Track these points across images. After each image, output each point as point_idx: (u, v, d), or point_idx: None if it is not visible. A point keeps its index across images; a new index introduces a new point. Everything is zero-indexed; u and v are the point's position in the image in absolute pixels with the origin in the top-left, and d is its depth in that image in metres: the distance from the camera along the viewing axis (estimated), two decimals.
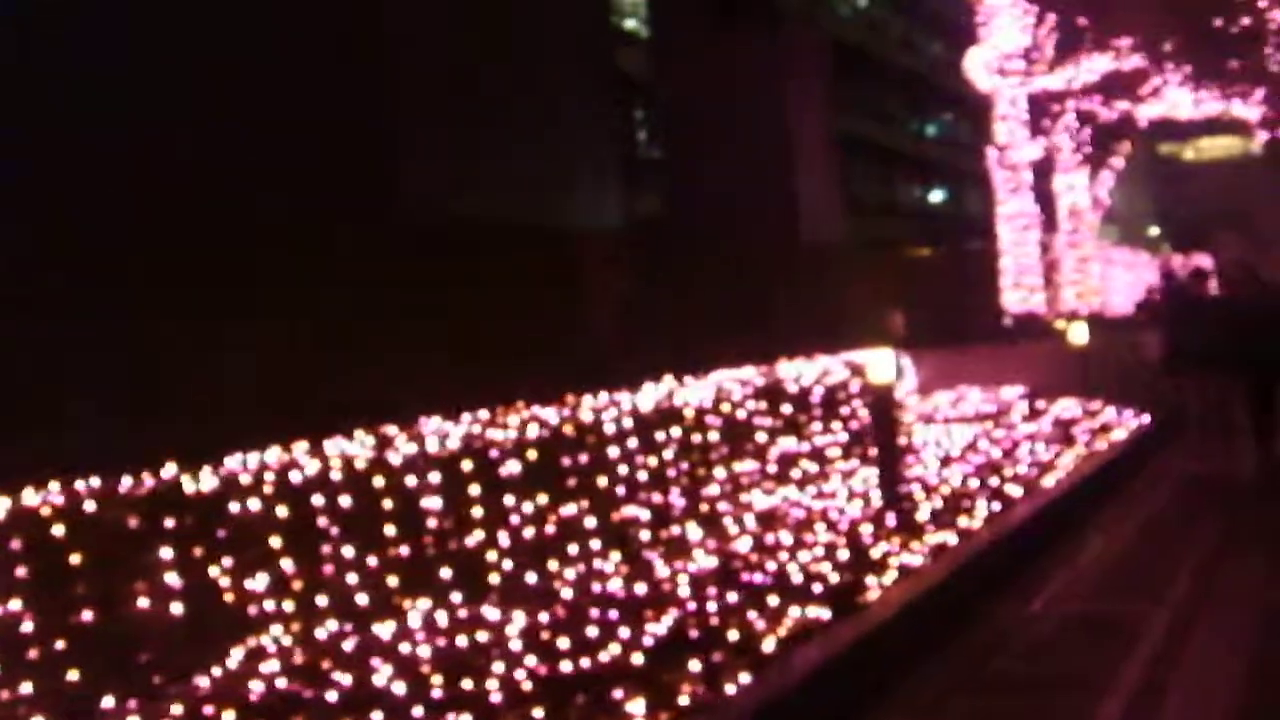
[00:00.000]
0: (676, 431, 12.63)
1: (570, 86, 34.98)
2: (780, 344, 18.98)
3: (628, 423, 11.85)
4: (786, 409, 15.07)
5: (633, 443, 11.80)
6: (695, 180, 35.55)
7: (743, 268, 24.81)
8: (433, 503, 9.44)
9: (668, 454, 12.43)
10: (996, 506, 12.47)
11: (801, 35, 39.68)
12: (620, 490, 11.46)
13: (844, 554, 10.23)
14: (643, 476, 11.84)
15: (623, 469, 11.56)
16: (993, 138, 27.24)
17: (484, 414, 11.49)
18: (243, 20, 11.73)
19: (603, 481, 11.25)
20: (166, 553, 7.66)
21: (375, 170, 13.92)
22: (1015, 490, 13.43)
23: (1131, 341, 23.31)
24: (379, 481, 9.11)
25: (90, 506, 7.51)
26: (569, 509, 10.70)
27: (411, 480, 9.35)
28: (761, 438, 14.30)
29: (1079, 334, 22.59)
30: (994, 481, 13.82)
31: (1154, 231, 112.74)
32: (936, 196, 74.38)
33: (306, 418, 10.09)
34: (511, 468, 10.22)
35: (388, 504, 9.13)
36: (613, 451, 11.47)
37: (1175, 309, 18.19)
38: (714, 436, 13.35)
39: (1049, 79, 27.84)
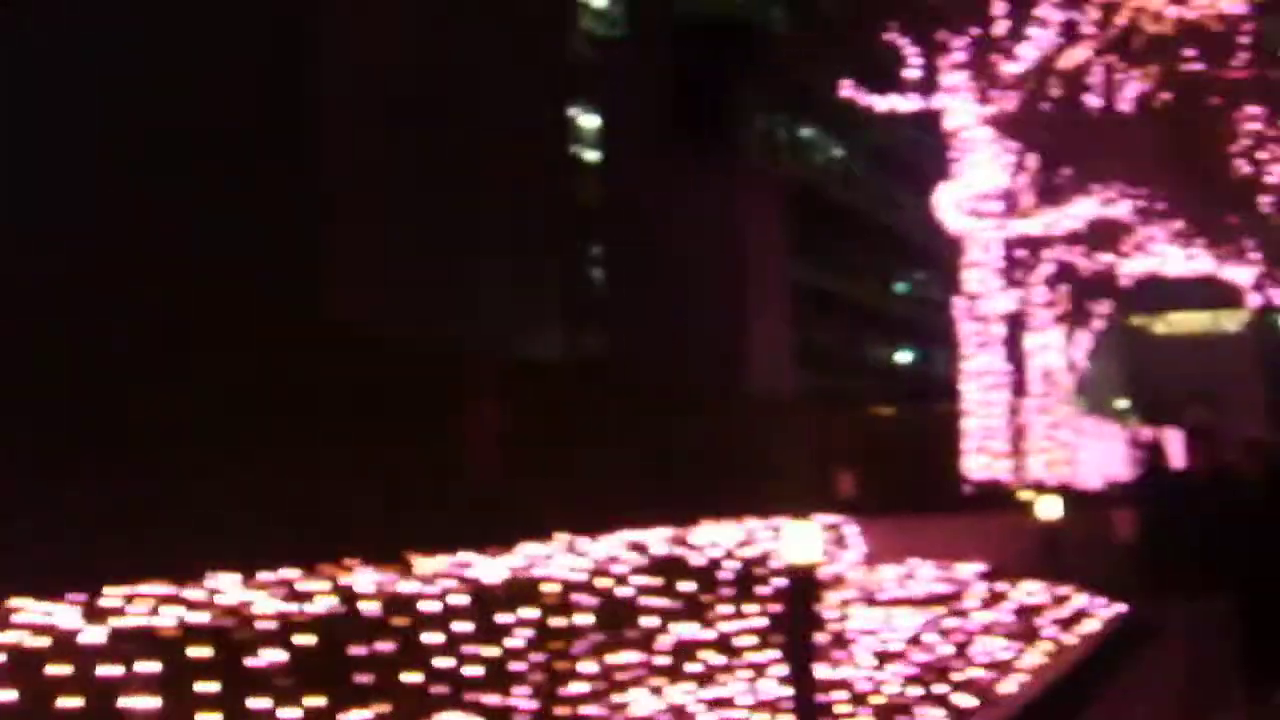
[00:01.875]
0: (538, 610, 9.91)
1: (522, 214, 32.69)
2: (708, 503, 16.74)
3: (460, 598, 9.11)
4: (690, 585, 12.28)
5: (466, 625, 9.06)
6: (639, 316, 33.30)
7: (677, 412, 22.22)
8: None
9: (519, 640, 9.69)
10: None
11: (762, 178, 37.75)
12: (438, 690, 8.69)
13: None
14: (475, 670, 9.07)
15: (445, 660, 8.79)
16: (962, 286, 24.68)
17: (291, 574, 8.73)
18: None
19: (415, 678, 8.46)
20: None
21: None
22: (967, 700, 11.23)
23: (1104, 518, 20.98)
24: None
25: None
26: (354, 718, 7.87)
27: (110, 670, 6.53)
28: (651, 621, 11.51)
29: (1049, 508, 20.29)
30: (940, 688, 11.51)
31: (1122, 403, 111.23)
32: (906, 356, 72.45)
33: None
34: (271, 656, 7.39)
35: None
36: (432, 637, 8.71)
37: (1152, 490, 14.76)
38: (588, 619, 10.59)
39: (1027, 224, 25.39)
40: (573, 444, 18.07)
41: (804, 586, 10.28)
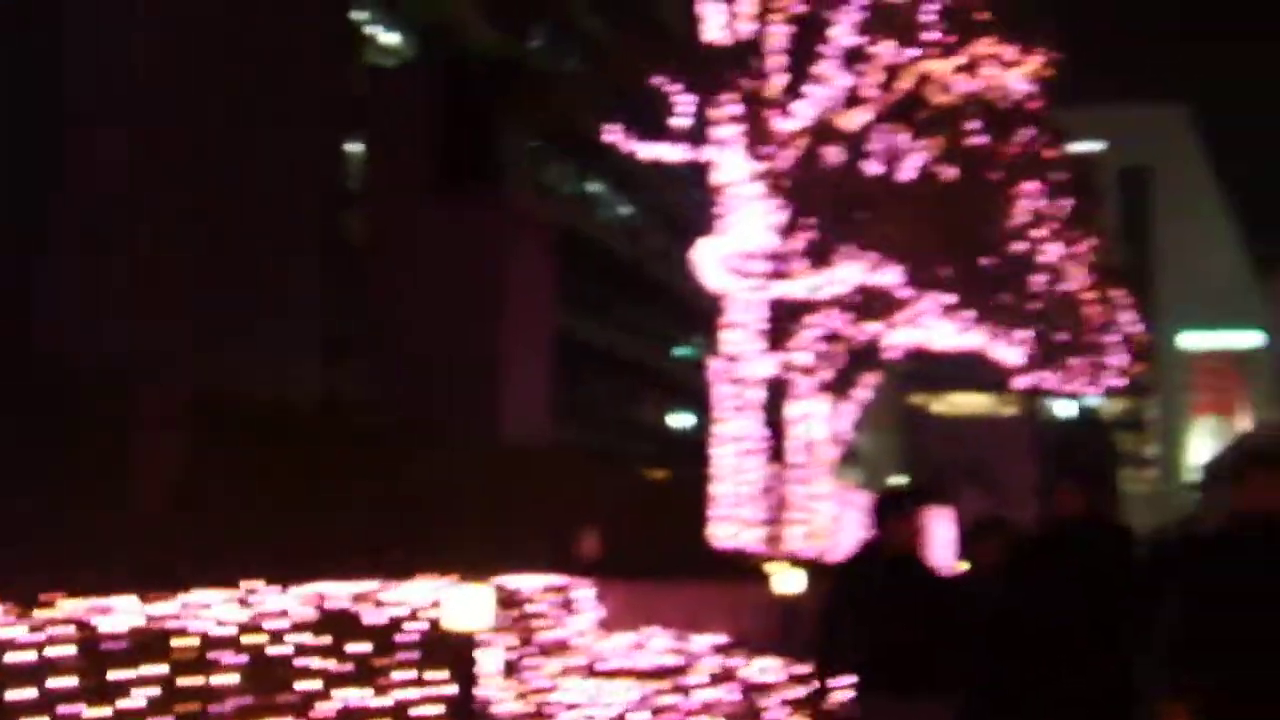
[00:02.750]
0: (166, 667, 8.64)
1: (285, 249, 31.19)
2: (430, 555, 15.58)
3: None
4: (364, 646, 11.02)
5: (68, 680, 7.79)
6: (394, 357, 31.94)
7: (406, 457, 20.99)
8: None
9: (138, 700, 8.43)
10: None
11: (529, 223, 36.59)
12: None
13: None
14: None
15: None
16: (720, 347, 23.75)
17: None
18: None
19: None
20: None
21: None
22: None
23: None
24: None
25: None
26: None
27: None
28: (313, 684, 10.25)
29: (788, 580, 19.39)
30: None
31: (898, 480, 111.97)
32: (684, 420, 71.78)
33: None
34: None
35: None
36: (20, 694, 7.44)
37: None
38: (230, 678, 9.32)
39: (791, 286, 24.51)
40: (281, 485, 16.83)
41: (463, 655, 9.10)
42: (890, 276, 25.09)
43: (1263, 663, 7.71)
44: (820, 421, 32.38)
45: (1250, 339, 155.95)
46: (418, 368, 32.91)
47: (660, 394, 67.82)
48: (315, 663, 10.46)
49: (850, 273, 24.74)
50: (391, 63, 40.80)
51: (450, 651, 9.70)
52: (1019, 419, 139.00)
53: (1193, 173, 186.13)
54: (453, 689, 10.89)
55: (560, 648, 18.55)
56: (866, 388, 33.13)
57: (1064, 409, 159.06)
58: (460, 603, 9.19)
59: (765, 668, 17.18)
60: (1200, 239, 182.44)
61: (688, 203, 56.49)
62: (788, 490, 30.79)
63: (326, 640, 10.62)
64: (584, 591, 20.03)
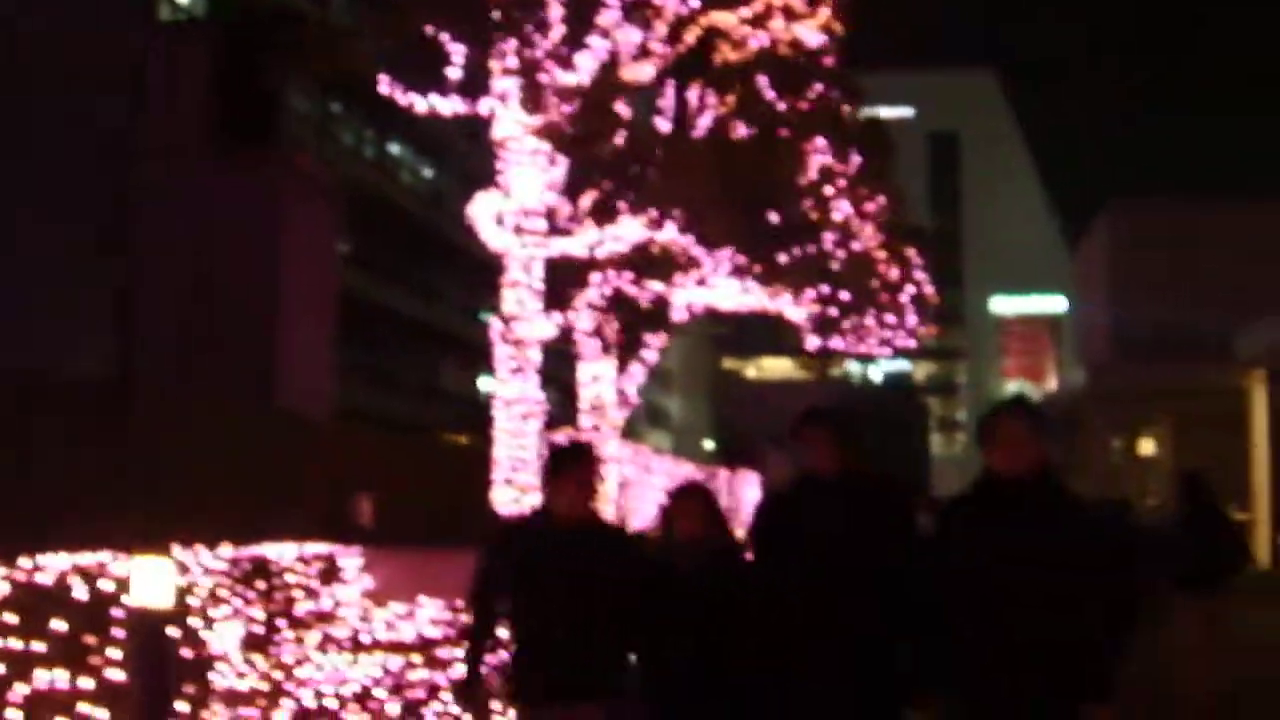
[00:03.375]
0: None
1: (66, 214, 29.89)
2: (190, 526, 14.88)
3: None
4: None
5: None
6: (157, 321, 30.82)
7: (178, 427, 20.11)
8: None
9: None
10: None
11: (309, 181, 35.53)
12: None
13: None
14: None
15: None
16: (500, 307, 23.01)
17: None
18: None
19: None
20: None
21: None
22: None
23: None
24: None
25: None
26: None
27: None
28: None
29: None
30: None
31: (709, 445, 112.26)
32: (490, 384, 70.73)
33: None
34: None
35: None
36: None
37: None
38: None
39: (568, 243, 23.78)
40: (31, 459, 16.07)
41: (154, 638, 8.28)
42: (670, 232, 24.40)
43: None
44: (608, 383, 31.76)
45: (1060, 303, 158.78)
46: (198, 337, 31.76)
47: (467, 359, 66.98)
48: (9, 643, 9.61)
49: (629, 229, 24.02)
50: (183, 20, 39.51)
51: (139, 629, 8.86)
52: (827, 384, 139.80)
53: (1002, 139, 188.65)
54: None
55: (321, 618, 17.79)
56: (654, 349, 32.51)
57: (874, 374, 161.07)
58: (147, 577, 8.36)
59: None
60: (1011, 206, 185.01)
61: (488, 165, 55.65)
62: None
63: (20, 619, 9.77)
64: (351, 560, 19.25)
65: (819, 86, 29.66)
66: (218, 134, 31.50)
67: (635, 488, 36.69)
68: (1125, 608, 7.35)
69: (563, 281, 26.23)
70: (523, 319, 23.26)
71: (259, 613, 15.59)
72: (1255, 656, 20.00)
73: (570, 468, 8.10)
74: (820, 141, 29.16)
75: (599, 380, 31.65)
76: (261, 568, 16.18)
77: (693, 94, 28.39)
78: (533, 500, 22.76)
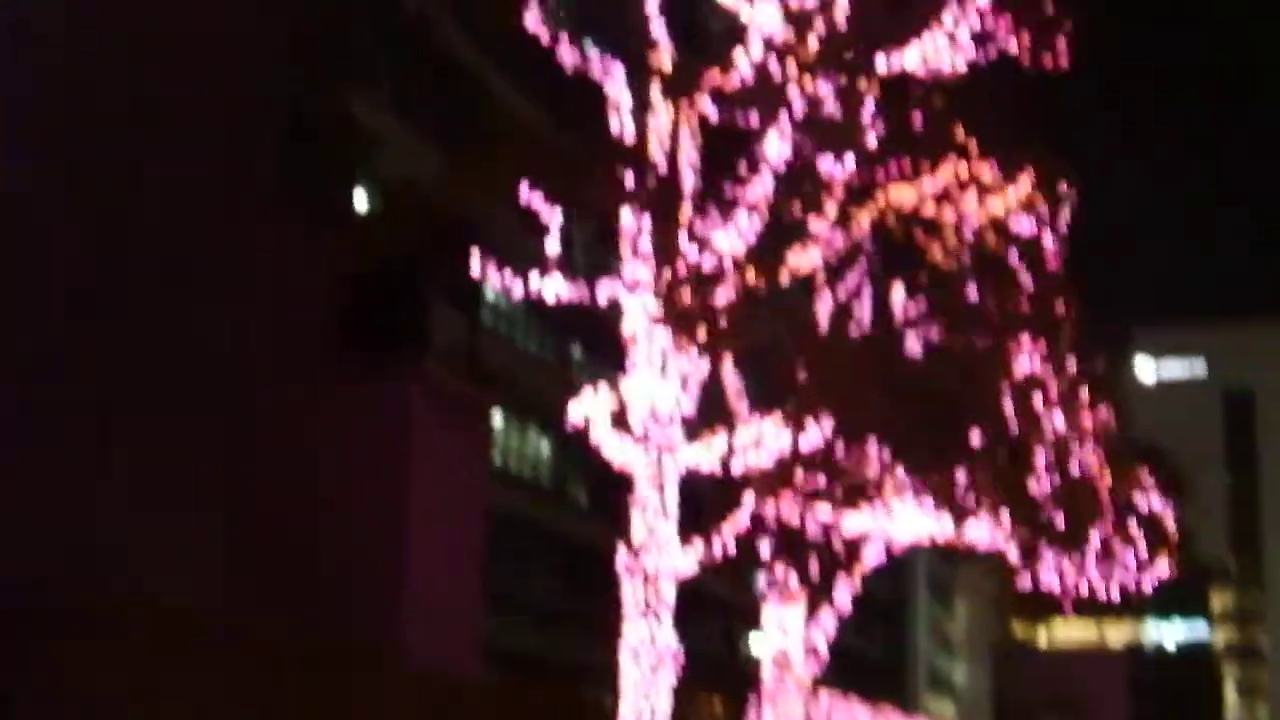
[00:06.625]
0: None
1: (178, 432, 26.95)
2: None
3: None
4: None
5: None
6: (269, 547, 27.36)
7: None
8: None
9: None
10: None
11: (455, 386, 31.89)
12: None
13: None
14: None
15: None
16: (629, 533, 18.93)
17: None
18: None
19: None
20: None
21: None
22: None
23: None
24: None
25: None
26: None
27: None
28: None
29: None
30: None
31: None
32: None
33: None
34: None
35: None
36: None
37: None
38: None
39: (696, 451, 19.67)
40: None
41: None
42: (816, 437, 20.01)
43: None
44: (788, 633, 26.67)
45: None
46: (303, 566, 27.84)
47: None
48: None
49: (769, 433, 19.70)
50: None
51: None
52: (1117, 653, 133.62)
53: None
54: None
55: None
56: (847, 592, 27.29)
57: (1164, 638, 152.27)
58: None
59: None
60: None
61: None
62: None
63: None
64: None
65: (1029, 284, 24.85)
66: (344, 340, 28.15)
67: None
68: None
69: (709, 504, 21.70)
70: (652, 549, 19.09)
71: None
72: None
73: None
74: (1026, 341, 24.24)
75: (785, 630, 26.59)
76: None
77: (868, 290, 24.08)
78: None
